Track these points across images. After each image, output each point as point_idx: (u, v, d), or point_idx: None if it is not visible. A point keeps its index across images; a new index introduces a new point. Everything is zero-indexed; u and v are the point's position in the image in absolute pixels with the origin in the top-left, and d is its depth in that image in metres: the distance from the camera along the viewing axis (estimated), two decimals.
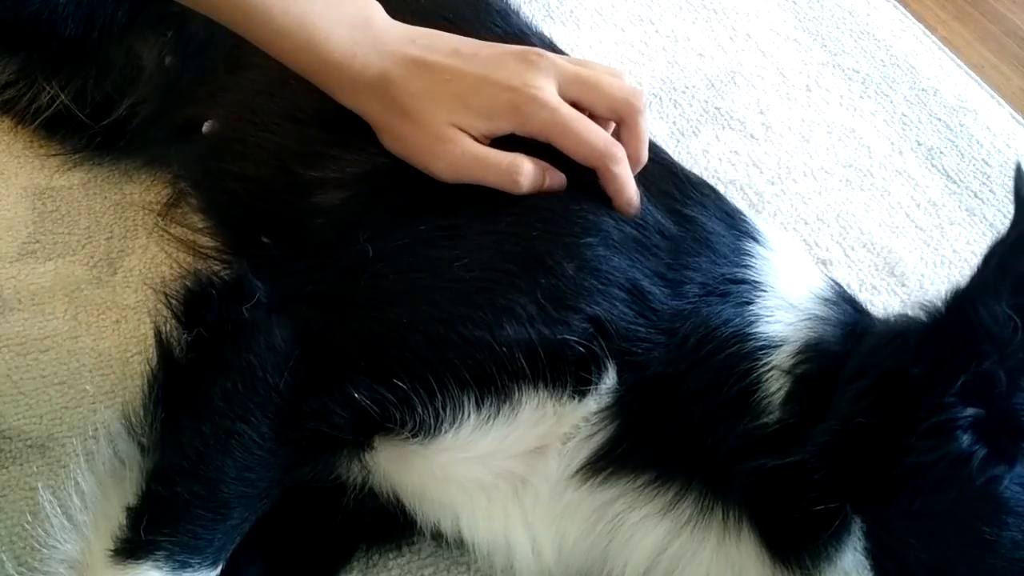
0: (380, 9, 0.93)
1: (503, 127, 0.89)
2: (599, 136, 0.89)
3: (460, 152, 0.88)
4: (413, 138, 0.89)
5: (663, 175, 0.95)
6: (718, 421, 0.83)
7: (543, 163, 0.89)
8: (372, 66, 0.90)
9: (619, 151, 0.89)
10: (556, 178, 0.90)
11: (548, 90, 0.89)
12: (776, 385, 0.84)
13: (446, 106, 0.88)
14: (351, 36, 0.90)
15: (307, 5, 0.90)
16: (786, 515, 0.81)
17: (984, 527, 0.76)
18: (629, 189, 0.89)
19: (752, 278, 0.89)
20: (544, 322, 0.81)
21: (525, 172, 0.87)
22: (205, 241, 1.10)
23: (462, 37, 0.93)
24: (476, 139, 0.89)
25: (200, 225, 1.12)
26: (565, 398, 0.82)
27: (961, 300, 0.79)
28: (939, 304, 0.82)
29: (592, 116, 0.91)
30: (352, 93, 0.92)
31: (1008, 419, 0.77)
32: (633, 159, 0.91)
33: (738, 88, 1.54)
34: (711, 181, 1.03)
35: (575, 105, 0.90)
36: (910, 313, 0.86)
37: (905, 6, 1.75)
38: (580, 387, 0.82)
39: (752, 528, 0.83)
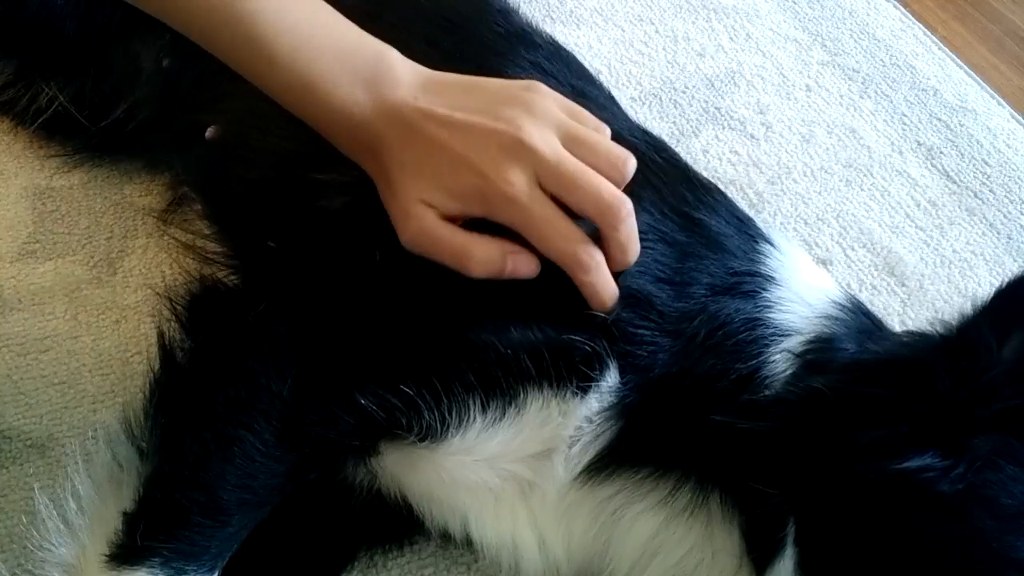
0: (395, 59, 0.89)
1: (472, 211, 0.85)
2: (568, 242, 0.83)
3: (419, 229, 0.85)
4: (389, 206, 0.88)
5: (677, 178, 0.94)
6: (720, 400, 0.83)
7: (508, 247, 0.84)
8: (371, 125, 0.87)
9: (588, 259, 0.83)
10: (524, 264, 0.84)
11: (518, 186, 0.83)
12: (783, 366, 0.84)
13: (423, 182, 0.85)
14: (352, 92, 0.87)
15: (315, 56, 0.87)
16: (736, 483, 0.81)
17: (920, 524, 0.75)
18: (601, 296, 0.83)
19: (765, 272, 0.89)
20: (550, 325, 0.81)
21: (476, 259, 0.83)
22: (209, 246, 1.10)
23: (472, 89, 0.89)
24: (448, 216, 0.85)
25: (205, 231, 1.11)
26: (568, 395, 0.82)
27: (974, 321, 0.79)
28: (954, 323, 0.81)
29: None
30: (350, 146, 0.90)
31: (951, 419, 0.77)
32: (616, 264, 0.85)
33: (738, 88, 1.54)
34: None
35: (555, 198, 0.85)
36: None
37: (905, 6, 1.75)
38: (583, 383, 0.81)
39: (740, 517, 0.83)
